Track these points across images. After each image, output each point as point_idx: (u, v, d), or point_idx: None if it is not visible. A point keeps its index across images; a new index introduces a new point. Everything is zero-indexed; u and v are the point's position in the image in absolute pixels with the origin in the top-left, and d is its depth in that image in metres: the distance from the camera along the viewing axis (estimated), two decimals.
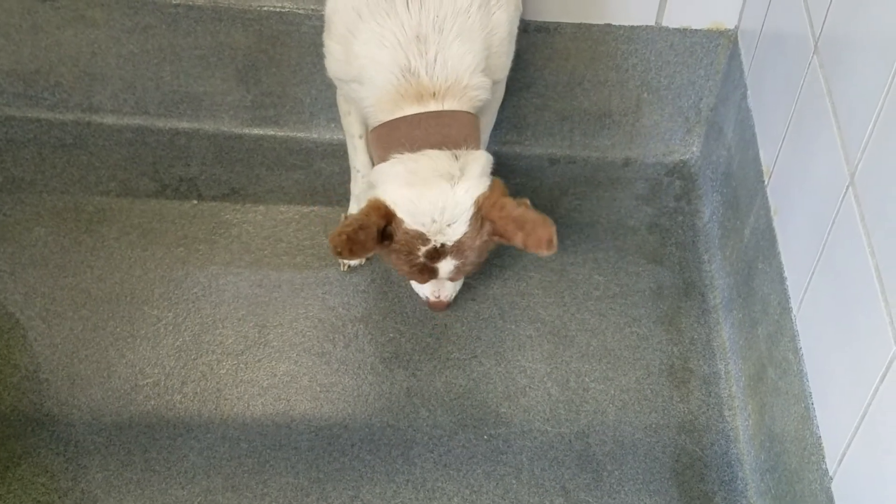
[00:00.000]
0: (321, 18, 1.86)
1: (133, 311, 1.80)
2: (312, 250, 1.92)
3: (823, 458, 1.35)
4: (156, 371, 1.73)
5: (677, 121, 2.04)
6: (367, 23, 1.51)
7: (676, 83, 1.98)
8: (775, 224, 1.59)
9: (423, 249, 1.57)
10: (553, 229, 1.52)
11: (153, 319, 1.80)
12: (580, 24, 1.90)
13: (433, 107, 1.53)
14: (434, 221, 1.54)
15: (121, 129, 2.07)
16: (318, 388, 1.73)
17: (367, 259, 1.90)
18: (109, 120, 2.08)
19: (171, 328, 1.79)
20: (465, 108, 1.55)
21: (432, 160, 1.52)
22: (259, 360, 1.76)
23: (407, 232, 1.55)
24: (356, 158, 1.82)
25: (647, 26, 1.90)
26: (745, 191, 1.76)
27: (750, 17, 1.82)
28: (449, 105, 1.53)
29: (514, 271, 1.91)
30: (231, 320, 1.81)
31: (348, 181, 1.90)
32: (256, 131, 2.09)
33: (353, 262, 1.89)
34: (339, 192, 1.99)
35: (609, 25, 1.90)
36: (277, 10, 1.92)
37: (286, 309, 1.83)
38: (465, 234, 1.56)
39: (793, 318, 1.49)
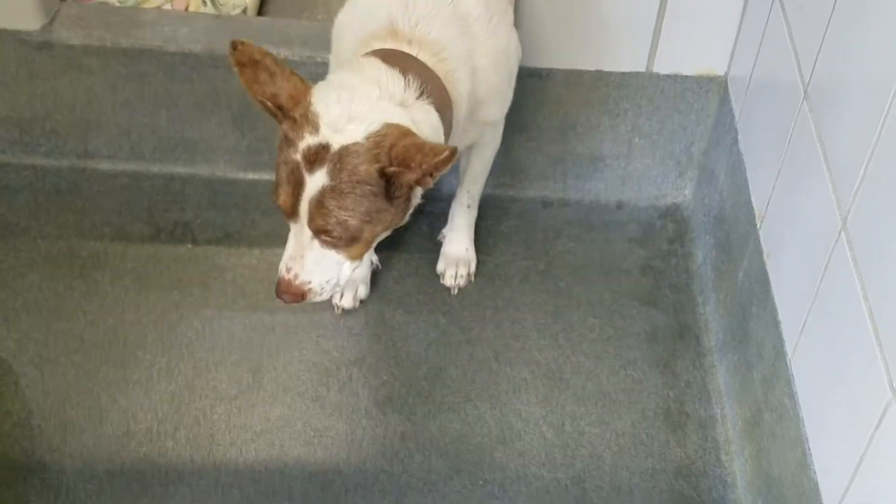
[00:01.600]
0: (317, 65, 1.89)
1: (126, 357, 1.80)
2: None
3: (821, 503, 1.34)
4: (148, 417, 1.72)
5: (669, 164, 2.06)
6: None
7: (668, 128, 2.00)
8: (768, 268, 1.60)
9: (307, 142, 1.36)
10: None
11: (146, 364, 1.79)
12: (572, 70, 1.93)
13: (407, 49, 1.47)
14: (339, 106, 1.35)
15: (116, 175, 2.08)
16: (312, 433, 1.72)
17: (361, 302, 1.90)
18: (105, 166, 2.08)
19: (164, 373, 1.78)
20: (437, 71, 1.47)
21: (386, 74, 1.40)
22: (252, 405, 1.75)
23: (306, 112, 1.37)
24: None
25: (638, 72, 1.92)
26: (737, 234, 1.77)
27: (739, 64, 1.84)
28: (423, 58, 1.47)
29: (507, 314, 1.91)
30: (225, 364, 1.80)
31: None
32: (251, 176, 2.10)
33: (347, 305, 1.89)
34: None
35: (601, 72, 1.93)
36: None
37: (280, 353, 1.82)
38: (356, 153, 1.34)
39: (788, 362, 1.49)
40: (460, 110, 1.53)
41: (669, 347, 1.87)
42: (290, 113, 1.38)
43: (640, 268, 2.01)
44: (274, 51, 1.93)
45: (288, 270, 1.45)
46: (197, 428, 1.71)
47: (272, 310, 1.88)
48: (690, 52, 1.89)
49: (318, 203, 1.37)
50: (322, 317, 1.88)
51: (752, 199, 1.71)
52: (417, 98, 1.42)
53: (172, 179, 2.08)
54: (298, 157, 1.37)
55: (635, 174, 2.08)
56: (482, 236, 2.01)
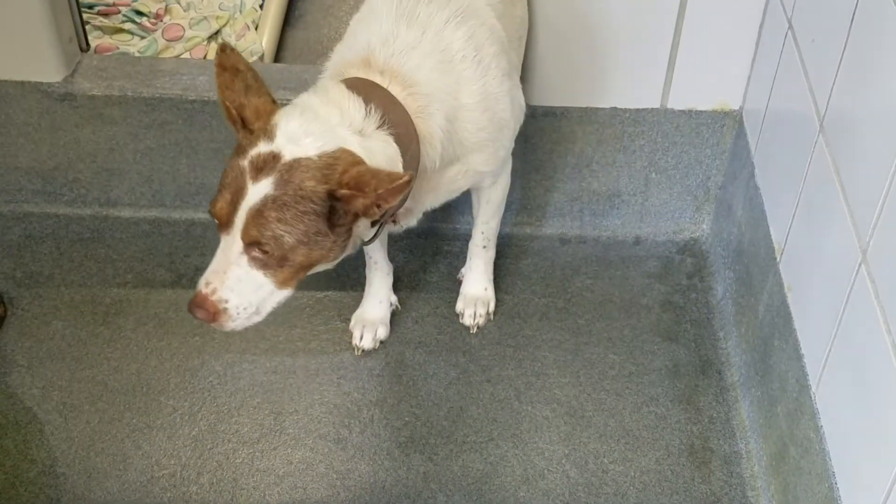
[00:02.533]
0: None
1: (149, 402, 1.80)
2: (327, 335, 1.93)
3: None
4: (172, 462, 1.72)
5: (686, 199, 2.06)
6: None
7: (684, 163, 2.01)
8: (790, 301, 1.60)
9: (258, 149, 1.34)
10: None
11: (169, 409, 1.80)
12: (586, 108, 1.94)
13: (378, 80, 1.46)
14: (298, 122, 1.35)
15: (138, 222, 2.10)
16: (335, 476, 1.72)
17: (381, 342, 1.90)
18: (127, 213, 2.11)
19: (186, 418, 1.78)
20: (407, 104, 1.46)
21: (348, 100, 1.39)
22: (275, 448, 1.75)
23: (265, 125, 1.36)
24: (369, 247, 1.84)
25: (652, 109, 1.93)
26: (757, 268, 1.77)
27: (754, 98, 1.85)
28: (393, 90, 1.45)
29: (528, 352, 1.91)
30: (247, 408, 1.80)
31: (362, 266, 1.92)
32: None
33: (368, 346, 1.89)
34: (352, 277, 2.01)
35: (615, 109, 1.94)
36: (289, 101, 1.96)
37: (301, 395, 1.83)
38: (307, 168, 1.32)
39: (812, 395, 1.48)
40: (433, 147, 1.50)
41: (692, 383, 1.86)
42: (250, 125, 1.37)
43: (659, 303, 2.00)
44: (291, 96, 1.97)
45: (207, 284, 1.39)
46: (220, 472, 1.71)
47: (293, 353, 1.89)
48: (705, 88, 1.90)
49: (257, 213, 1.33)
50: (342, 358, 1.88)
51: (771, 232, 1.70)
52: (377, 128, 1.40)
53: (193, 225, 2.11)
54: (245, 163, 1.34)
55: (652, 209, 2.08)
56: (501, 274, 2.02)
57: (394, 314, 1.95)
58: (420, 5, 1.52)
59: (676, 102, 1.92)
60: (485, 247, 1.91)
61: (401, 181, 1.30)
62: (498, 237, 1.94)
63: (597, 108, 1.94)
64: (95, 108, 1.97)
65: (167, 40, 2.28)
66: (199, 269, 2.01)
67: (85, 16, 2.13)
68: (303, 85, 1.97)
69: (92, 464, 1.72)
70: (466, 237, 1.95)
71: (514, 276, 2.04)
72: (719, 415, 1.81)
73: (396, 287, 1.96)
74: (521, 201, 2.09)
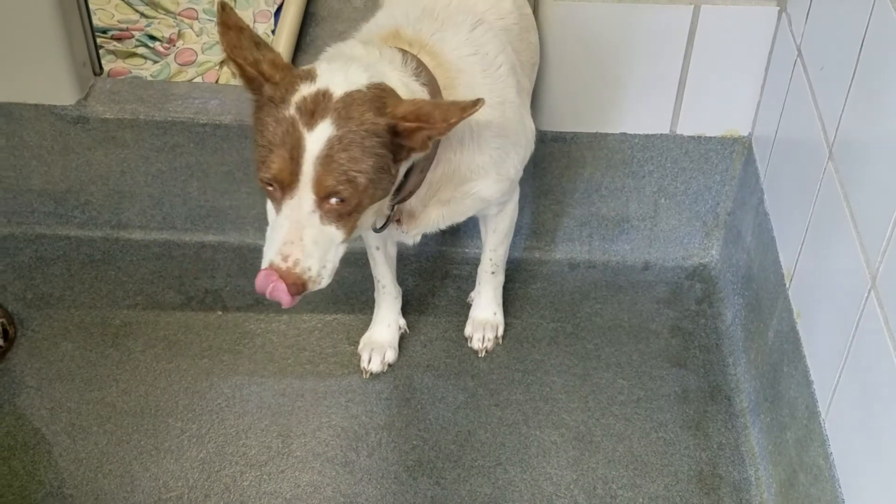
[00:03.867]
0: None
1: (157, 424, 1.80)
2: (335, 358, 1.93)
3: None
4: (179, 484, 1.72)
5: (695, 225, 2.06)
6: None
7: (693, 188, 2.01)
8: (799, 327, 1.59)
9: (302, 92, 1.25)
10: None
11: (177, 432, 1.80)
12: (596, 133, 1.95)
13: (407, 49, 1.43)
14: (340, 61, 1.28)
15: (148, 244, 2.11)
16: (342, 499, 1.71)
17: (389, 366, 1.90)
18: (137, 235, 2.12)
19: (194, 440, 1.78)
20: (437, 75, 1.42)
21: (386, 49, 1.36)
22: (282, 471, 1.75)
23: (294, 72, 1.27)
24: (376, 269, 1.85)
25: (661, 135, 1.94)
26: (766, 294, 1.77)
27: (764, 124, 1.86)
28: (422, 60, 1.42)
29: (536, 376, 1.90)
30: (254, 431, 1.80)
31: (371, 289, 1.92)
32: None
33: (376, 369, 1.89)
34: (361, 300, 2.01)
35: (624, 134, 1.95)
36: None
37: (309, 418, 1.82)
38: (362, 101, 1.24)
39: (821, 422, 1.47)
40: None
41: (701, 409, 1.86)
42: (271, 78, 1.28)
43: (668, 329, 2.00)
44: None
45: (285, 259, 1.27)
46: (227, 495, 1.71)
47: (301, 375, 1.89)
48: (714, 114, 1.91)
49: (326, 159, 1.23)
50: (351, 381, 1.88)
51: (780, 258, 1.70)
52: (412, 77, 1.37)
53: (203, 248, 2.12)
54: (291, 111, 1.24)
55: (661, 235, 2.09)
56: (509, 299, 2.02)
57: (402, 337, 1.95)
58: (444, 13, 1.53)
59: (686, 128, 1.93)
60: (493, 272, 1.91)
61: (473, 108, 1.24)
62: (507, 262, 1.94)
63: (606, 134, 1.95)
64: (108, 131, 1.99)
65: (180, 64, 2.30)
66: (209, 292, 2.04)
67: (99, 40, 2.15)
68: None
69: (99, 485, 1.71)
70: (475, 261, 1.95)
71: (524, 300, 2.04)
72: (728, 441, 1.80)
73: (405, 310, 1.96)
74: (531, 226, 2.10)
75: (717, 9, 1.76)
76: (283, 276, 1.28)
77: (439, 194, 1.54)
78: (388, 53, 1.39)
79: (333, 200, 1.27)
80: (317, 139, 1.24)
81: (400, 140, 1.28)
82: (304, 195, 1.27)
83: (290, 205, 1.28)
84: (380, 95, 1.28)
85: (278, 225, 1.30)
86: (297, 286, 1.30)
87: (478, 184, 1.56)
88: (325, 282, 1.33)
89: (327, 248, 1.31)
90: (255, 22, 2.44)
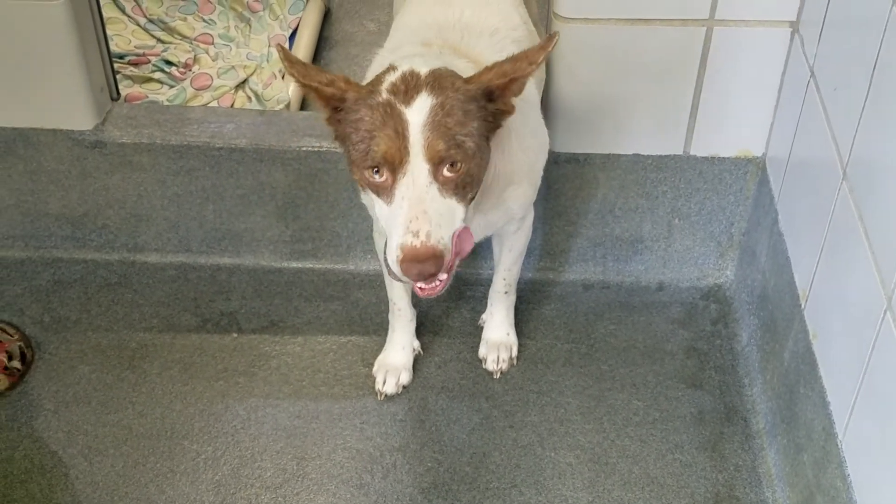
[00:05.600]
0: None
1: (173, 447, 1.81)
2: (350, 380, 1.93)
3: None
4: None
5: (710, 245, 2.06)
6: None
7: (707, 209, 2.01)
8: (815, 348, 1.59)
9: (390, 79, 1.30)
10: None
11: (192, 454, 1.80)
12: (609, 154, 1.95)
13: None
14: (409, 53, 1.36)
15: (164, 267, 2.13)
16: None
17: (404, 387, 1.91)
18: (153, 258, 2.14)
19: (210, 463, 1.79)
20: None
21: (439, 48, 1.45)
22: (297, 493, 1.75)
23: (358, 85, 1.32)
24: (393, 292, 1.86)
25: (675, 155, 1.94)
26: (781, 314, 1.76)
27: (777, 145, 1.85)
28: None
29: (551, 397, 1.90)
30: (269, 453, 1.81)
31: (385, 311, 1.92)
32: (295, 265, 2.13)
33: (390, 391, 1.89)
34: (375, 322, 2.02)
35: (638, 155, 1.95)
36: (315, 149, 1.99)
37: (324, 440, 1.83)
38: (447, 75, 1.30)
39: (839, 444, 1.46)
40: None
41: (717, 430, 1.85)
42: (351, 88, 1.32)
43: (683, 349, 1.99)
44: (316, 143, 2.01)
45: (416, 235, 1.24)
46: None
47: (316, 397, 1.89)
48: (727, 134, 1.91)
49: (433, 126, 1.25)
50: (366, 403, 1.89)
51: (795, 278, 1.70)
52: (471, 65, 1.45)
53: (219, 270, 2.13)
54: (385, 96, 1.27)
55: (676, 255, 2.08)
56: (523, 320, 2.02)
57: (416, 359, 1.95)
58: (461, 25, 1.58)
59: (699, 149, 1.93)
60: (506, 292, 1.92)
61: (551, 43, 1.31)
62: (520, 282, 1.94)
63: (619, 155, 1.95)
64: (125, 155, 2.01)
65: (196, 89, 2.32)
66: (224, 314, 2.05)
67: (116, 65, 2.18)
68: (328, 133, 2.00)
69: None
70: (488, 282, 1.96)
71: (537, 321, 2.04)
72: (745, 463, 1.79)
73: (419, 332, 1.97)
74: (544, 247, 2.10)
75: (730, 30, 1.77)
76: (424, 253, 1.24)
77: (484, 202, 1.55)
78: (441, 49, 1.45)
79: (447, 169, 1.28)
80: (418, 109, 1.26)
81: (493, 104, 1.32)
82: (418, 168, 1.27)
83: (404, 183, 1.27)
84: (457, 75, 1.33)
85: (397, 208, 1.27)
86: (437, 259, 1.25)
87: (511, 191, 1.59)
88: (446, 284, 1.32)
89: (452, 220, 1.29)
90: (269, 46, 2.47)
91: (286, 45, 2.47)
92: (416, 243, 1.24)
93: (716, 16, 1.75)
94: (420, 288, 1.33)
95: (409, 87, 1.28)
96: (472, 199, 1.36)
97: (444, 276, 1.32)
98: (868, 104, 1.42)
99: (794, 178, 1.75)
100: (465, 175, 1.29)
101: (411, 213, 1.26)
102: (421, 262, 1.25)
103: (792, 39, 1.76)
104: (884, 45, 1.37)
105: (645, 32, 1.78)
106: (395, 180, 1.28)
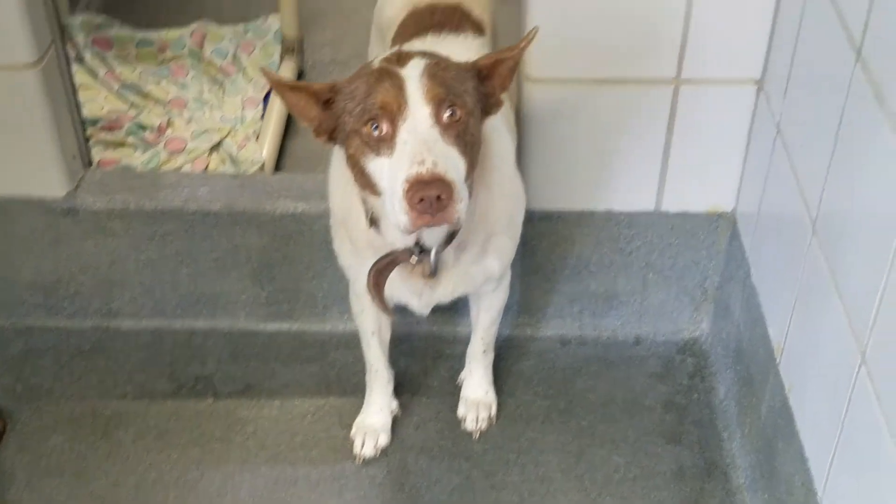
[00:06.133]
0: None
1: None
2: (328, 443, 1.91)
3: None
4: None
5: (684, 300, 2.07)
6: None
7: (680, 263, 2.03)
8: (791, 402, 1.59)
9: (384, 57, 1.33)
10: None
11: None
12: (582, 211, 1.96)
13: None
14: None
15: (138, 333, 2.11)
16: None
17: (382, 450, 1.89)
18: (127, 324, 2.12)
19: None
20: None
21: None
22: None
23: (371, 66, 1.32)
24: (370, 354, 1.85)
25: (647, 212, 1.96)
26: (757, 368, 1.77)
27: (747, 200, 1.88)
28: None
29: (531, 456, 1.89)
30: None
31: (363, 371, 1.91)
32: (271, 326, 2.12)
33: (369, 454, 1.87)
34: (353, 383, 2.00)
35: (610, 212, 1.97)
36: (290, 211, 1.99)
37: None
38: (437, 55, 1.32)
39: (818, 500, 1.46)
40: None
41: (697, 486, 1.84)
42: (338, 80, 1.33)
43: (662, 404, 1.99)
44: (291, 205, 2.01)
45: (421, 163, 1.20)
46: None
47: (294, 461, 1.87)
48: (698, 190, 1.93)
49: (431, 74, 1.26)
50: (344, 467, 1.87)
51: (770, 332, 1.71)
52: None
53: (194, 334, 2.11)
54: (378, 66, 1.29)
55: (651, 310, 2.09)
56: (501, 377, 2.01)
57: (395, 420, 1.94)
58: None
59: (670, 205, 1.95)
60: (484, 352, 1.91)
61: (533, 33, 1.33)
62: (498, 339, 1.94)
63: (593, 212, 1.97)
64: (98, 221, 2.00)
65: (169, 152, 2.32)
66: (199, 379, 2.03)
67: (89, 130, 2.18)
68: (303, 194, 2.01)
69: None
70: (466, 340, 1.95)
71: (516, 378, 2.04)
72: None
73: (397, 391, 1.96)
74: (521, 303, 2.10)
75: (697, 88, 1.80)
76: (424, 178, 1.20)
77: (465, 253, 1.55)
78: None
79: (447, 116, 1.26)
80: (414, 66, 1.28)
81: (483, 86, 1.33)
82: (418, 111, 1.25)
83: (405, 128, 1.25)
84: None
85: (400, 154, 1.24)
86: (444, 185, 1.20)
87: (494, 243, 1.59)
88: (462, 214, 1.24)
89: (457, 169, 1.26)
90: (243, 109, 2.48)
91: (260, 108, 2.48)
92: (423, 170, 1.21)
93: (682, 75, 1.78)
94: (429, 216, 1.22)
95: (401, 56, 1.31)
96: (472, 165, 1.31)
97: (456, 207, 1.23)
98: (835, 160, 1.44)
99: (765, 233, 1.77)
100: (464, 126, 1.28)
101: (415, 150, 1.23)
102: (427, 184, 1.20)
103: (758, 96, 1.80)
104: (849, 101, 1.39)
105: (614, 92, 1.81)
106: (395, 128, 1.26)
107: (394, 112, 1.27)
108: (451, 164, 1.25)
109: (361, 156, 1.30)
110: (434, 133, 1.26)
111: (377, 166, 1.29)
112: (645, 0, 1.70)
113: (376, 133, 1.28)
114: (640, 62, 1.77)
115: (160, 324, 2.11)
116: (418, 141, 1.24)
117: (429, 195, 1.21)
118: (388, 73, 1.29)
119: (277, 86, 1.38)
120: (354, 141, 1.31)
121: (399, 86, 1.27)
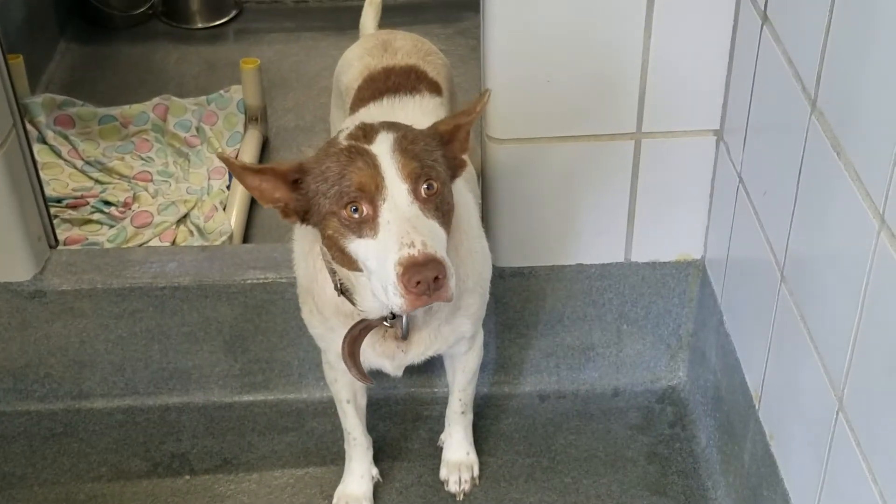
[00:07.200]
0: None
1: None
2: None
3: None
4: None
5: (660, 348, 2.08)
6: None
7: (653, 313, 2.03)
8: (773, 449, 1.59)
9: (348, 133, 1.32)
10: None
11: None
12: (553, 266, 1.97)
13: None
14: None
15: (111, 412, 2.07)
16: None
17: None
18: (99, 404, 2.08)
19: None
20: None
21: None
22: None
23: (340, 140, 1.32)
24: (347, 422, 1.83)
25: (617, 263, 1.97)
26: (737, 415, 1.76)
27: (715, 248, 1.89)
28: None
29: None
30: None
31: (341, 439, 1.89)
32: (246, 398, 2.10)
33: None
34: (332, 451, 1.98)
35: (581, 265, 1.97)
36: (261, 281, 1.98)
37: None
38: (400, 125, 1.34)
39: None
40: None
41: None
42: (304, 160, 1.33)
43: (644, 455, 1.98)
44: (261, 275, 2.00)
45: (411, 245, 1.22)
46: None
47: None
48: (666, 239, 1.94)
49: (402, 150, 1.27)
50: None
51: (747, 379, 1.71)
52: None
53: (167, 410, 2.08)
54: (345, 144, 1.29)
55: (628, 360, 2.09)
56: (482, 436, 2.00)
57: (377, 486, 1.91)
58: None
59: (640, 255, 1.96)
60: (463, 412, 1.90)
61: (484, 96, 1.38)
62: (477, 398, 1.93)
63: (563, 266, 1.97)
64: (66, 302, 1.98)
65: (136, 227, 2.31)
66: (175, 456, 1.99)
67: (53, 210, 2.16)
68: (272, 263, 2.00)
69: None
70: (444, 400, 1.94)
71: (496, 437, 2.02)
72: None
73: (377, 457, 1.93)
74: (497, 361, 2.09)
75: (657, 141, 1.82)
76: (418, 260, 1.21)
77: (435, 312, 1.54)
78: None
79: (424, 189, 1.28)
80: (383, 141, 1.29)
81: (446, 152, 1.35)
82: (396, 189, 1.26)
83: (386, 208, 1.26)
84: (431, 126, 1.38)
85: (384, 234, 1.25)
86: (438, 264, 1.21)
87: (465, 300, 1.58)
88: (455, 290, 1.26)
89: (441, 244, 1.28)
90: (210, 179, 2.48)
91: (226, 178, 2.48)
92: (414, 252, 1.22)
93: (642, 129, 1.80)
94: (426, 297, 1.24)
95: (366, 131, 1.31)
96: (448, 233, 1.33)
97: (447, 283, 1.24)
98: (798, 207, 1.46)
99: (735, 280, 1.78)
100: (441, 196, 1.30)
101: (401, 230, 1.24)
102: (422, 266, 1.21)
103: (718, 147, 1.82)
104: (807, 150, 1.41)
105: (576, 148, 1.82)
106: (375, 209, 1.27)
107: (372, 193, 1.27)
108: (438, 240, 1.28)
109: (341, 237, 1.30)
110: (415, 209, 1.27)
111: (359, 247, 1.30)
112: (602, 58, 1.73)
113: (357, 216, 1.28)
114: (601, 118, 1.79)
115: (133, 402, 2.08)
116: (402, 220, 1.25)
117: (426, 277, 1.22)
118: (359, 152, 1.29)
119: (237, 170, 1.35)
120: (332, 223, 1.31)
121: (373, 164, 1.27)
